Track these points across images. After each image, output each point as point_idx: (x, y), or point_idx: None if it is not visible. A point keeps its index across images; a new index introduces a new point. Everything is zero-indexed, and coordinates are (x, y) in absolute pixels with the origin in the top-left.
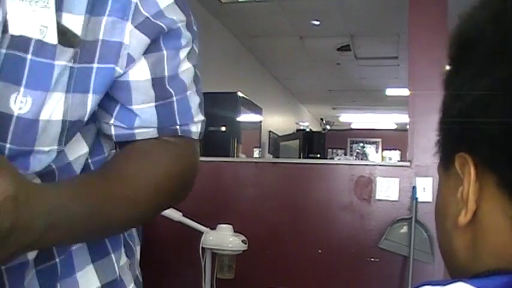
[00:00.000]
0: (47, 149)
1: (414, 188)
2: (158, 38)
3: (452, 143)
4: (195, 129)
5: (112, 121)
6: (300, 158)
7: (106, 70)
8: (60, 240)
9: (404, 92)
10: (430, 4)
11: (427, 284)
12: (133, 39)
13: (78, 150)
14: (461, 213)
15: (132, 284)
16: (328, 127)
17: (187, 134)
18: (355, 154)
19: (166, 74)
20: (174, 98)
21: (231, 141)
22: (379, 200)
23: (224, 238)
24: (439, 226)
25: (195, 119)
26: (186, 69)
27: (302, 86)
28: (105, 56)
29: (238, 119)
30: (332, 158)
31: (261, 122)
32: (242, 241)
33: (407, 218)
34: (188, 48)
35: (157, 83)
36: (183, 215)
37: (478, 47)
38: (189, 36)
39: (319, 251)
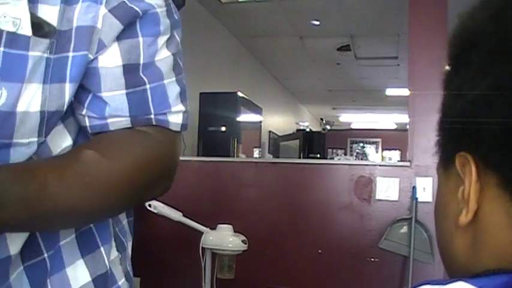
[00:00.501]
0: (26, 141)
1: (414, 188)
2: (134, 23)
3: (453, 142)
4: (174, 119)
5: (84, 112)
6: (300, 158)
7: (80, 57)
8: (4, 221)
9: (404, 92)
10: (430, 4)
11: (427, 284)
12: (105, 23)
13: (62, 142)
14: (462, 213)
15: (123, 279)
16: (328, 127)
17: (164, 124)
18: (355, 154)
19: (141, 61)
20: (148, 86)
21: (231, 141)
22: (379, 200)
23: (224, 238)
24: (438, 225)
25: (174, 109)
26: (164, 57)
27: (302, 86)
28: (79, 42)
29: (238, 119)
30: (332, 158)
31: (261, 122)
32: (242, 241)
33: (407, 218)
34: (167, 36)
35: (129, 69)
36: (183, 215)
37: (478, 46)
38: (168, 23)
39: (319, 251)
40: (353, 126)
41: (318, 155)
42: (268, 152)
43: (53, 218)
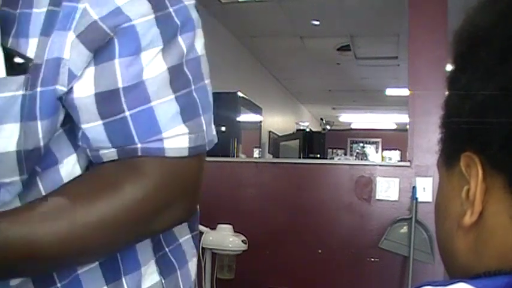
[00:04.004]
0: (8, 180)
1: (414, 188)
2: (110, 43)
3: (458, 142)
4: (173, 144)
5: (80, 143)
6: (300, 158)
7: (47, 92)
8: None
9: (405, 92)
10: (430, 4)
11: (428, 285)
12: (73, 51)
13: (75, 170)
14: (467, 214)
15: None
16: (328, 127)
17: (156, 152)
18: (355, 154)
19: (120, 85)
20: (128, 113)
21: (231, 141)
22: (379, 200)
23: (224, 238)
24: (439, 225)
25: (168, 133)
26: (157, 74)
27: (302, 86)
28: (46, 76)
29: (238, 119)
30: (332, 158)
31: (261, 122)
32: (242, 241)
33: (407, 218)
34: (158, 48)
35: (104, 97)
36: None
37: (487, 44)
38: (156, 32)
39: (319, 251)
40: (353, 126)
41: (318, 155)
42: (268, 152)
43: (41, 265)
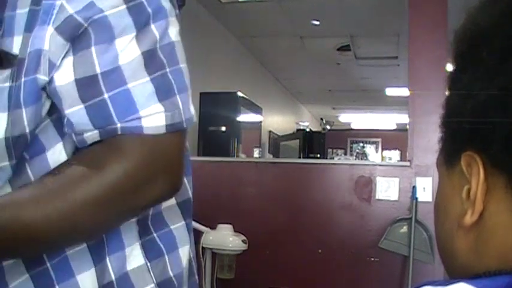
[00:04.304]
0: None
1: (414, 187)
2: (86, 33)
3: (458, 141)
4: (150, 123)
5: (65, 130)
6: (300, 158)
7: (29, 82)
8: None
9: (405, 92)
10: (430, 4)
11: (428, 285)
12: (52, 43)
13: (61, 157)
14: (467, 213)
15: (151, 286)
16: (328, 127)
17: (135, 130)
18: (355, 154)
19: (98, 70)
20: (106, 95)
21: (231, 141)
22: (379, 199)
23: (224, 238)
24: (438, 224)
25: (145, 112)
26: (131, 59)
27: (302, 86)
28: (29, 67)
29: (238, 119)
30: (332, 158)
31: (261, 122)
32: (242, 241)
33: (407, 217)
34: (131, 35)
35: (84, 83)
36: None
37: (489, 43)
38: (129, 21)
39: (319, 250)
40: (353, 126)
41: (318, 155)
42: (269, 152)
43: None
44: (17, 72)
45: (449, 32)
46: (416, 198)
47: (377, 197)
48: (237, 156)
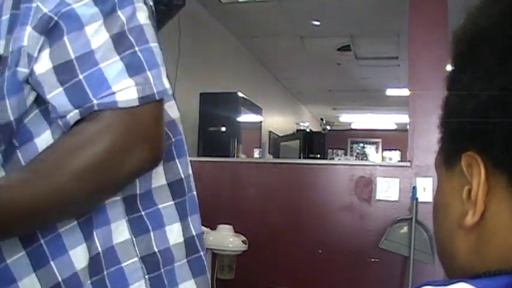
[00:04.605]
0: None
1: (414, 188)
2: (57, 26)
3: (458, 141)
4: (124, 97)
5: (52, 115)
6: (300, 158)
7: (11, 74)
8: None
9: (405, 92)
10: (430, 4)
11: (428, 285)
12: (29, 38)
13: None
14: (468, 214)
15: (134, 260)
16: (328, 127)
17: (111, 105)
18: (355, 154)
19: (72, 56)
20: (81, 76)
21: (231, 141)
22: (379, 200)
23: (224, 238)
24: (437, 225)
25: (117, 87)
26: (102, 42)
27: (302, 86)
28: (11, 62)
29: (239, 119)
30: (332, 158)
31: (261, 122)
32: (242, 241)
33: (407, 218)
34: (99, 21)
35: (60, 68)
36: None
37: (489, 44)
38: (95, 10)
39: (319, 251)
40: (353, 127)
41: (318, 155)
42: (269, 152)
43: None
44: (1, 69)
45: (450, 32)
46: (417, 199)
47: (377, 198)
48: (237, 156)
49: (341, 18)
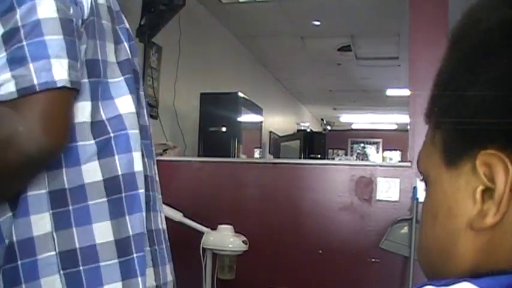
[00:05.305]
0: None
1: (415, 188)
2: None
3: (467, 141)
4: (2, 91)
5: None
6: (300, 158)
7: None
8: None
9: (405, 92)
10: (430, 4)
11: (429, 285)
12: None
13: None
14: (489, 215)
15: (51, 253)
16: (328, 127)
17: None
18: (355, 154)
19: None
20: None
21: (231, 141)
22: (379, 200)
23: (225, 238)
24: (435, 227)
25: None
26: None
27: (303, 86)
28: None
29: (239, 119)
30: (333, 159)
31: (261, 122)
32: (243, 241)
33: (408, 218)
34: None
35: None
36: (184, 216)
37: (489, 43)
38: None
39: (320, 251)
40: (354, 127)
41: (319, 156)
42: (269, 153)
43: None
44: None
45: (450, 32)
46: (417, 199)
47: (377, 198)
48: (237, 156)
49: (341, 19)
